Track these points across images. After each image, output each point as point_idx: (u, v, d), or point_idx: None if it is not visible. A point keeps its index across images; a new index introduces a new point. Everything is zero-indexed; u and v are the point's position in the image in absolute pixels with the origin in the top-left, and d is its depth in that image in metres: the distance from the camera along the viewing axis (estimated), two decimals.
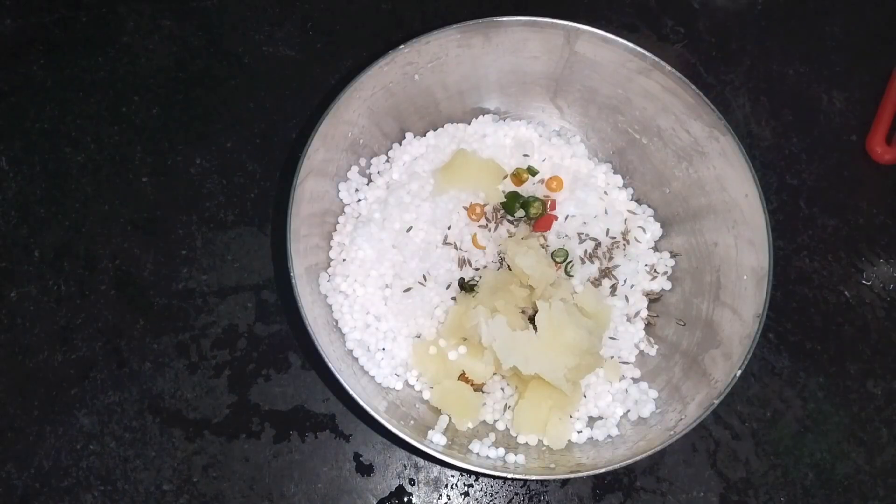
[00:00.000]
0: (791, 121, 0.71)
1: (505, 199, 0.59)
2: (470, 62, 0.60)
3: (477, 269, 0.58)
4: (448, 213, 0.58)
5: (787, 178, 0.68)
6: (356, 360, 0.56)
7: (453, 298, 0.57)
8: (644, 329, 0.59)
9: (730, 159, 0.56)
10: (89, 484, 0.56)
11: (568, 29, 0.57)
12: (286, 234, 0.51)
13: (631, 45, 0.56)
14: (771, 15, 0.74)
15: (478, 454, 0.54)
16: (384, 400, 0.54)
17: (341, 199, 0.60)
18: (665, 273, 0.60)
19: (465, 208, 0.59)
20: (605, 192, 0.62)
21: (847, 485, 0.59)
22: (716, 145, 0.57)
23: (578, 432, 0.56)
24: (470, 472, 0.58)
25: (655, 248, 0.62)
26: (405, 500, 0.57)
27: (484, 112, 0.64)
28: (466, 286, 0.57)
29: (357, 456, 0.58)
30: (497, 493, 0.58)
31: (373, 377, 0.56)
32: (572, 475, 0.54)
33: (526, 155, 0.61)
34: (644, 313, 0.59)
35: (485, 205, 0.59)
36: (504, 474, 0.50)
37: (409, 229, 0.57)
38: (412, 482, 0.58)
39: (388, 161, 0.62)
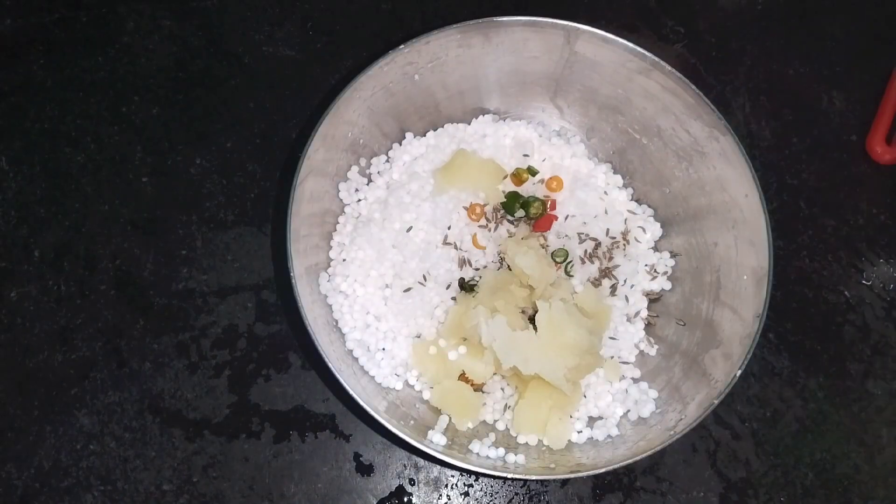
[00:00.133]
0: (791, 121, 0.71)
1: (505, 199, 0.59)
2: (470, 62, 0.60)
3: (477, 269, 0.58)
4: (448, 213, 0.58)
5: (787, 178, 0.68)
6: (356, 360, 0.56)
7: (453, 298, 0.57)
8: (644, 329, 0.59)
9: (730, 159, 0.56)
10: (89, 484, 0.56)
11: (568, 29, 0.57)
12: (286, 234, 0.51)
13: (631, 45, 0.57)
14: (771, 15, 0.74)
15: (478, 454, 0.54)
16: (384, 400, 0.54)
17: (341, 199, 0.60)
18: (665, 273, 0.60)
19: (465, 208, 0.59)
20: (605, 192, 0.62)
21: (847, 485, 0.59)
22: (716, 145, 0.57)
23: (578, 432, 0.56)
24: (470, 472, 0.58)
25: (655, 248, 0.62)
26: (405, 500, 0.57)
27: (484, 112, 0.64)
28: (466, 286, 0.57)
29: (357, 456, 0.58)
30: (497, 493, 0.58)
31: (373, 377, 0.56)
32: (572, 475, 0.54)
33: (526, 155, 0.62)
34: (644, 313, 0.59)
35: (485, 205, 0.59)
36: (504, 474, 0.50)
37: (409, 229, 0.57)
38: (412, 482, 0.58)
39: (388, 161, 0.62)
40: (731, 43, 0.73)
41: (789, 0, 0.75)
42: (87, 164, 0.64)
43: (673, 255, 0.61)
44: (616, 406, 0.56)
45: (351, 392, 0.49)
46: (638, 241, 0.61)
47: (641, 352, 0.59)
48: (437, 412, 0.55)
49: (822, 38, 0.74)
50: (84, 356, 0.59)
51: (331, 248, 0.59)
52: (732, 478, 0.59)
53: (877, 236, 0.67)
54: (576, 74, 0.61)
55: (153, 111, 0.66)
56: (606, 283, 0.59)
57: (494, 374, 0.56)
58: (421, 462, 0.58)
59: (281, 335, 0.60)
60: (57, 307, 0.60)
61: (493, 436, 0.55)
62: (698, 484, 0.59)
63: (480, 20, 0.56)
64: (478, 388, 0.56)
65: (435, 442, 0.53)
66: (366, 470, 0.58)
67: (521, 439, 0.55)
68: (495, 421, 0.56)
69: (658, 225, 0.62)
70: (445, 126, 0.63)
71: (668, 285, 0.60)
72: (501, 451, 0.54)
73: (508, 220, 0.59)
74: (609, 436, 0.55)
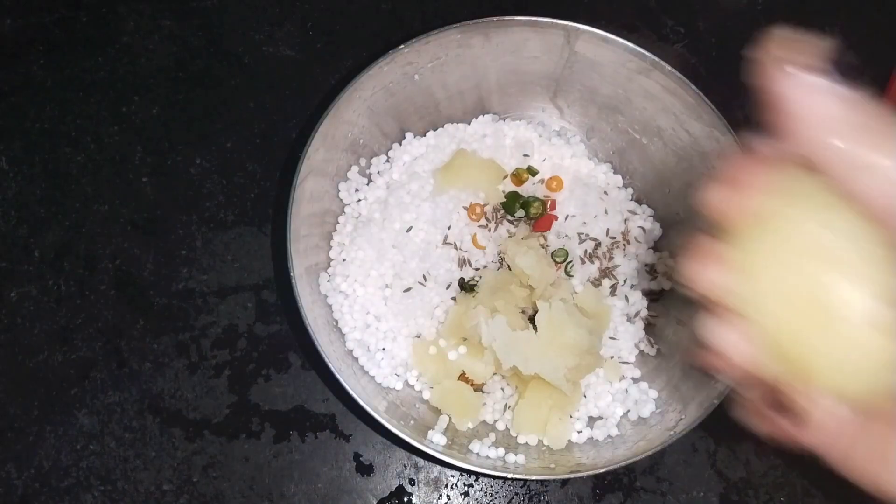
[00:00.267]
0: None
1: (505, 199, 0.59)
2: (470, 62, 0.60)
3: (477, 269, 0.58)
4: (448, 213, 0.58)
5: None
6: (356, 360, 0.56)
7: (453, 298, 0.57)
8: (644, 329, 0.59)
9: (730, 159, 0.56)
10: (89, 484, 0.56)
11: (568, 29, 0.57)
12: (286, 234, 0.51)
13: (631, 45, 0.56)
14: (771, 15, 0.74)
15: (478, 454, 0.54)
16: (384, 400, 0.54)
17: (341, 199, 0.60)
18: (665, 273, 0.60)
19: (465, 208, 0.59)
20: (605, 192, 0.62)
21: (847, 484, 0.59)
22: (716, 145, 0.57)
23: (578, 432, 0.56)
24: (470, 472, 0.58)
25: (655, 248, 0.62)
26: (405, 500, 0.57)
27: (484, 112, 0.64)
28: (466, 286, 0.57)
29: (357, 456, 0.58)
30: (497, 493, 0.58)
31: (373, 377, 0.56)
32: (572, 475, 0.54)
33: (526, 155, 0.62)
34: (644, 313, 0.59)
35: (485, 205, 0.59)
36: (504, 474, 0.50)
37: (409, 229, 0.57)
38: (412, 482, 0.58)
39: (388, 161, 0.62)
40: (731, 43, 0.73)
41: (789, 0, 0.75)
42: (87, 164, 0.64)
43: (673, 255, 0.61)
44: (616, 406, 0.56)
45: (351, 392, 0.49)
46: (638, 241, 0.61)
47: (641, 352, 0.59)
48: (437, 412, 0.55)
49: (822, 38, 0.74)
50: (84, 356, 0.59)
51: (331, 248, 0.59)
52: (732, 478, 0.59)
53: None
54: (576, 74, 0.61)
55: (153, 111, 0.66)
56: (606, 283, 0.59)
57: (494, 374, 0.56)
58: (421, 462, 0.58)
59: (281, 335, 0.60)
60: (57, 307, 0.60)
61: (493, 436, 0.55)
62: (698, 484, 0.59)
63: (480, 20, 0.56)
64: (478, 388, 0.56)
65: (435, 442, 0.53)
66: (366, 470, 0.58)
67: (521, 439, 0.55)
68: (495, 421, 0.56)
69: (658, 225, 0.62)
70: (445, 126, 0.63)
71: (667, 285, 0.60)
72: (501, 451, 0.54)
73: (508, 220, 0.59)
74: (609, 436, 0.55)
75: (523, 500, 0.58)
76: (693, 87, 0.56)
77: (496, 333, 0.53)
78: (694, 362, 0.31)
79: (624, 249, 0.60)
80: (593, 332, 0.54)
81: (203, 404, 0.58)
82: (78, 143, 0.65)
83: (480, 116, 0.63)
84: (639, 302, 0.59)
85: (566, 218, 0.60)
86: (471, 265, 0.58)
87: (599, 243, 0.59)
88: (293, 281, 0.51)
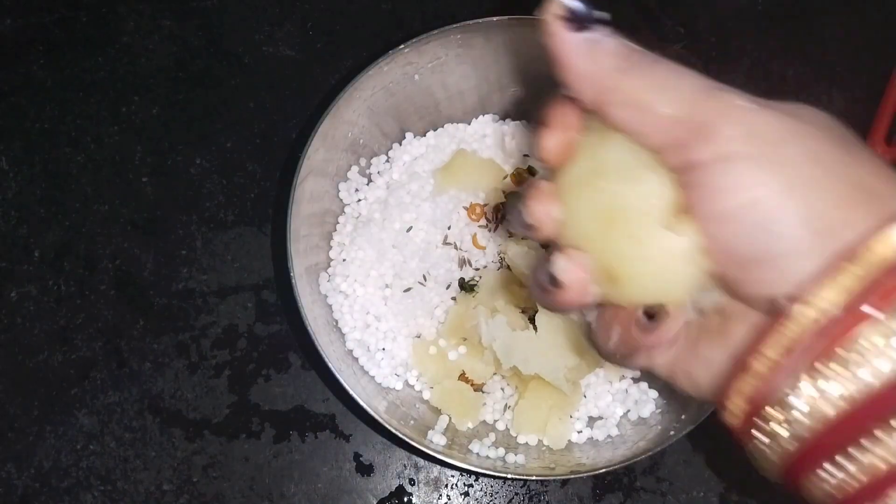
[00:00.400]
0: None
1: (505, 199, 0.59)
2: (470, 62, 0.60)
3: (477, 269, 0.58)
4: (448, 213, 0.58)
5: None
6: (356, 360, 0.56)
7: (453, 298, 0.57)
8: None
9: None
10: (89, 484, 0.56)
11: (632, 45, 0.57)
12: (286, 234, 0.51)
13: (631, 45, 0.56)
14: (771, 15, 0.74)
15: (478, 454, 0.54)
16: (384, 400, 0.54)
17: (341, 199, 0.60)
18: None
19: (465, 208, 0.59)
20: None
21: None
22: None
23: (578, 432, 0.56)
24: (470, 472, 0.58)
25: None
26: (405, 500, 0.57)
27: (484, 112, 0.64)
28: (466, 286, 0.57)
29: (357, 456, 0.58)
30: (497, 493, 0.58)
31: (373, 377, 0.56)
32: (572, 475, 0.54)
33: (526, 155, 0.61)
34: None
35: (485, 205, 0.59)
36: (504, 474, 0.50)
37: (409, 229, 0.57)
38: (412, 482, 0.58)
39: (388, 161, 0.62)
40: (731, 43, 0.73)
41: (789, 0, 0.75)
42: (87, 164, 0.64)
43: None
44: (616, 406, 0.56)
45: (351, 392, 0.49)
46: None
47: None
48: (437, 412, 0.55)
49: (822, 38, 0.74)
50: (84, 356, 0.59)
51: (331, 248, 0.59)
52: (732, 478, 0.59)
53: None
54: None
55: (153, 111, 0.66)
56: None
57: (494, 374, 0.56)
58: (421, 462, 0.58)
59: (281, 335, 0.60)
60: (57, 307, 0.60)
61: (493, 436, 0.55)
62: (698, 484, 0.59)
63: (480, 20, 0.56)
64: (478, 388, 0.57)
65: (435, 442, 0.53)
66: (366, 470, 0.58)
67: (521, 439, 0.55)
68: (495, 421, 0.56)
69: None
70: (445, 126, 0.63)
71: None
72: (501, 451, 0.54)
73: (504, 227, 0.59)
74: (609, 436, 0.55)
75: (523, 500, 0.58)
76: None
77: (496, 333, 0.53)
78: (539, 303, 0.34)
79: None
80: None
81: (203, 404, 0.58)
82: (78, 143, 0.65)
83: (480, 116, 0.63)
84: None
85: None
86: (471, 265, 0.58)
87: None
88: (293, 281, 0.51)
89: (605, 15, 0.32)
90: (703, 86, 0.30)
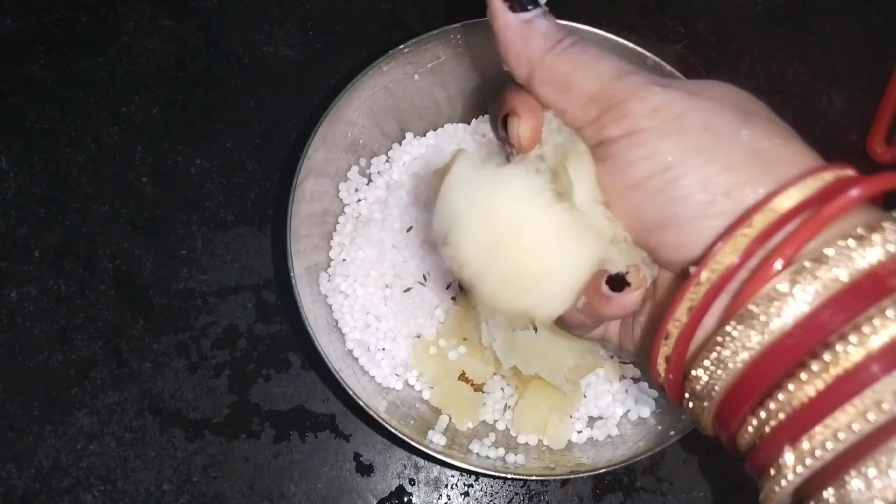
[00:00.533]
0: (791, 121, 0.70)
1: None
2: (470, 62, 0.60)
3: None
4: None
5: None
6: (356, 360, 0.56)
7: (453, 298, 0.57)
8: None
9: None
10: (89, 484, 0.56)
11: (568, 29, 0.57)
12: (286, 234, 0.51)
13: (631, 45, 0.56)
14: (771, 15, 0.74)
15: (478, 454, 0.54)
16: (384, 400, 0.54)
17: (341, 199, 0.60)
18: None
19: None
20: None
21: None
22: None
23: (578, 432, 0.56)
24: (470, 472, 0.58)
25: None
26: (405, 500, 0.57)
27: (484, 112, 0.64)
28: (466, 286, 0.57)
29: (357, 456, 0.58)
30: (497, 493, 0.58)
31: (373, 377, 0.56)
32: (572, 475, 0.54)
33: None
34: None
35: None
36: (504, 474, 0.50)
37: (410, 229, 0.57)
38: (412, 482, 0.58)
39: (388, 161, 0.62)
40: (731, 43, 0.73)
41: (789, 0, 0.75)
42: (87, 164, 0.64)
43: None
44: (616, 406, 0.56)
45: (351, 392, 0.49)
46: None
47: None
48: (437, 412, 0.55)
49: (822, 38, 0.74)
50: (84, 356, 0.59)
51: (331, 248, 0.59)
52: (732, 478, 0.59)
53: None
54: None
55: (153, 111, 0.66)
56: None
57: (494, 374, 0.56)
58: (421, 462, 0.58)
59: (281, 335, 0.60)
60: (57, 307, 0.60)
61: (493, 436, 0.55)
62: (698, 484, 0.59)
63: (480, 20, 0.56)
64: (478, 388, 0.57)
65: (435, 442, 0.53)
66: (366, 470, 0.58)
67: (521, 439, 0.55)
68: (495, 421, 0.56)
69: None
70: (445, 126, 0.63)
71: None
72: (501, 451, 0.54)
73: None
74: (609, 436, 0.55)
75: (523, 500, 0.58)
76: None
77: (496, 333, 0.53)
78: None
79: None
80: None
81: (203, 404, 0.58)
82: (78, 143, 0.65)
83: (480, 116, 0.63)
84: None
85: None
86: None
87: None
88: (293, 281, 0.51)
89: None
90: (618, 69, 0.32)
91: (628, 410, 0.56)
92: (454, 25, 0.56)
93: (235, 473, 0.57)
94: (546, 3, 0.35)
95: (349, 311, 0.56)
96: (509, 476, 0.51)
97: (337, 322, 0.56)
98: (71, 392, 0.58)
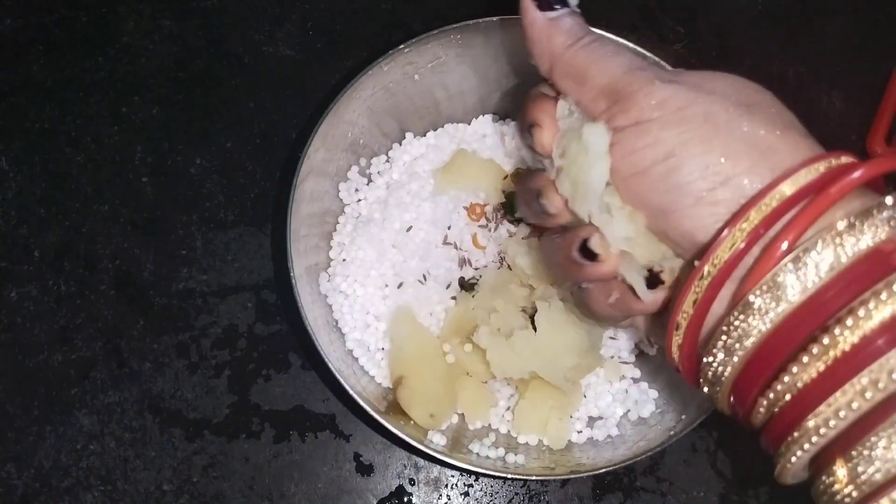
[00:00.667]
0: None
1: (505, 199, 0.59)
2: (470, 62, 0.60)
3: (477, 269, 0.58)
4: (448, 213, 0.58)
5: None
6: (356, 360, 0.56)
7: (453, 298, 0.57)
8: None
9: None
10: (89, 484, 0.56)
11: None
12: (286, 234, 0.51)
13: (631, 45, 0.56)
14: (771, 15, 0.74)
15: (478, 454, 0.54)
16: (384, 400, 0.54)
17: (341, 199, 0.60)
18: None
19: (465, 208, 0.59)
20: None
21: None
22: None
23: (578, 432, 0.56)
24: (470, 472, 0.58)
25: None
26: (405, 500, 0.57)
27: (484, 112, 0.64)
28: (466, 286, 0.57)
29: (357, 456, 0.58)
30: (497, 493, 0.58)
31: (373, 377, 0.56)
32: (572, 475, 0.54)
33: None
34: None
35: (485, 205, 0.59)
36: (504, 474, 0.50)
37: (409, 229, 0.57)
38: (412, 482, 0.58)
39: (388, 161, 0.62)
40: (731, 43, 0.73)
41: (789, 0, 0.75)
42: (87, 164, 0.64)
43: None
44: (616, 406, 0.56)
45: (351, 392, 0.49)
46: None
47: (641, 352, 0.59)
48: None
49: (822, 38, 0.74)
50: (84, 356, 0.59)
51: (331, 248, 0.59)
52: (732, 478, 0.59)
53: None
54: None
55: (153, 111, 0.66)
56: None
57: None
58: (421, 462, 0.58)
59: (281, 335, 0.60)
60: (57, 307, 0.60)
61: (493, 436, 0.55)
62: (698, 484, 0.59)
63: (480, 20, 0.56)
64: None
65: (435, 442, 0.53)
66: (366, 470, 0.58)
67: (522, 439, 0.55)
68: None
69: None
70: (445, 126, 0.63)
71: None
72: (501, 451, 0.54)
73: (508, 220, 0.59)
74: (609, 436, 0.55)
75: (523, 500, 0.58)
76: None
77: (488, 344, 0.52)
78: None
79: None
80: (593, 332, 0.54)
81: (203, 404, 0.58)
82: (78, 143, 0.65)
83: (480, 116, 0.63)
84: None
85: None
86: (471, 265, 0.58)
87: None
88: (293, 281, 0.51)
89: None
90: (629, 65, 0.35)
91: (628, 410, 0.56)
92: (454, 25, 0.56)
93: (235, 473, 0.57)
94: (577, 4, 0.37)
95: (349, 311, 0.56)
96: (509, 476, 0.51)
97: (337, 322, 0.56)
98: (71, 392, 0.58)
